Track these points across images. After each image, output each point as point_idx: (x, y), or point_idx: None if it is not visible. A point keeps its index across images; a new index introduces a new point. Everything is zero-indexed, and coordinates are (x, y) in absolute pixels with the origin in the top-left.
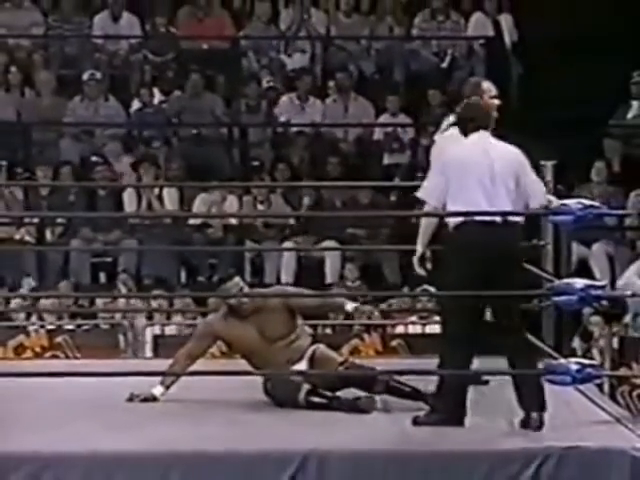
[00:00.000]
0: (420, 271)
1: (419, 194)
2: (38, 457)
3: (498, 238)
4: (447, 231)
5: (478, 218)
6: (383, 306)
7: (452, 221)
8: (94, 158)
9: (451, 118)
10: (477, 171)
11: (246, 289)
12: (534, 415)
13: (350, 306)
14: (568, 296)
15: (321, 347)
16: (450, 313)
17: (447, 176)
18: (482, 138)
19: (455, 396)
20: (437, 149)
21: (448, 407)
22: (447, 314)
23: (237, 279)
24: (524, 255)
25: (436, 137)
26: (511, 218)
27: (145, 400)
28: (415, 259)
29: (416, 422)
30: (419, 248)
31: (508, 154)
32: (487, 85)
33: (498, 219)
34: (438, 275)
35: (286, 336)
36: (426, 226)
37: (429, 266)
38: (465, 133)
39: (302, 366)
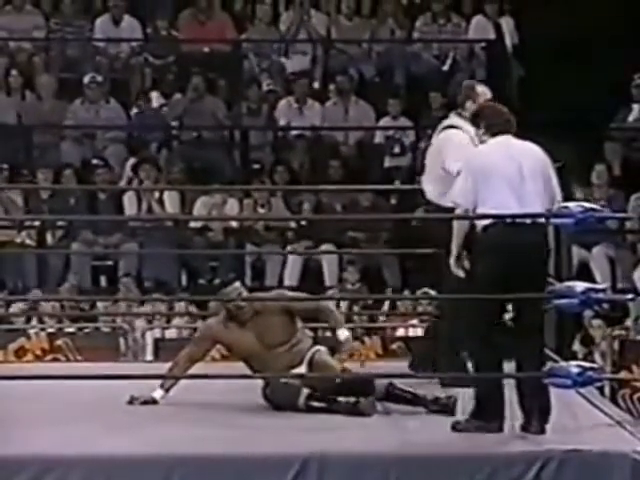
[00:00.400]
0: (458, 272)
1: (451, 198)
2: (40, 460)
3: (526, 239)
4: (476, 233)
5: (507, 220)
6: (384, 309)
7: (481, 223)
8: (95, 161)
9: (449, 120)
10: (505, 172)
11: (245, 294)
12: (534, 422)
13: (343, 335)
14: (569, 299)
15: (321, 350)
16: (474, 314)
17: (475, 178)
18: (506, 139)
19: (494, 401)
20: (435, 150)
21: (489, 413)
22: (471, 315)
23: (237, 284)
24: (549, 256)
25: (433, 139)
26: (539, 219)
27: (145, 403)
28: (452, 260)
29: (455, 428)
30: (454, 249)
31: (535, 154)
32: (481, 88)
33: (527, 220)
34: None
35: (286, 342)
36: (458, 228)
37: (467, 265)
38: (494, 134)
39: (302, 370)
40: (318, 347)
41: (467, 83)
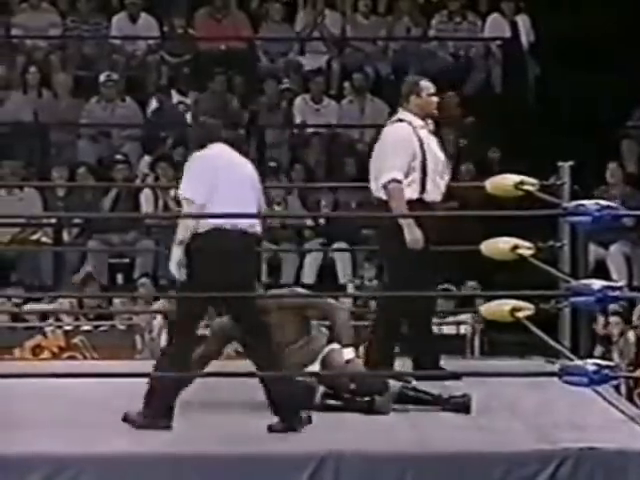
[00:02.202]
0: (181, 275)
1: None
2: (53, 459)
3: (244, 245)
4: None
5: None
6: None
7: (206, 225)
8: (117, 156)
9: (398, 114)
10: (232, 177)
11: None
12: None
13: (347, 356)
14: (586, 297)
15: (335, 349)
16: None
17: (210, 176)
18: (223, 149)
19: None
20: (378, 145)
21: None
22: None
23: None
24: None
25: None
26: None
27: None
28: (172, 263)
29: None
30: (176, 251)
31: (249, 165)
32: (425, 83)
33: (249, 227)
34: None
35: (297, 340)
36: (183, 228)
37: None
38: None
39: (315, 368)
40: (333, 346)
41: (410, 78)
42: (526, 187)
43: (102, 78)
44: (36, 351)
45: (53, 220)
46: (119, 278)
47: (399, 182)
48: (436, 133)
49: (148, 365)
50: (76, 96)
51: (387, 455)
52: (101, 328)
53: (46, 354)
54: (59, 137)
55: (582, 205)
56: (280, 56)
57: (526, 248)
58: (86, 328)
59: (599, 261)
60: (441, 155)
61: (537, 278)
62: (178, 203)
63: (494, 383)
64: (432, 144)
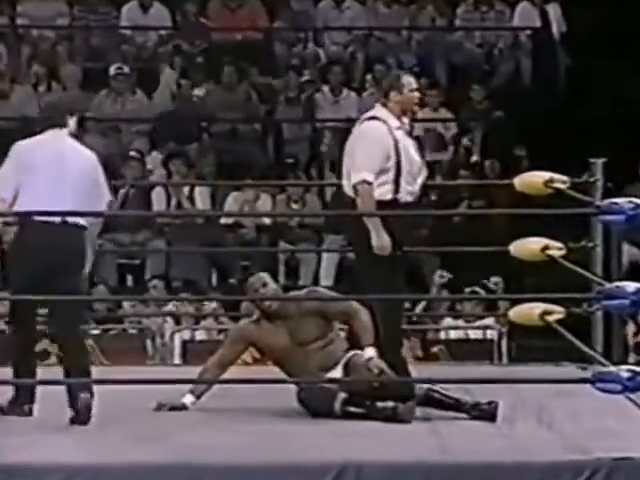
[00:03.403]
0: None
1: None
2: (63, 468)
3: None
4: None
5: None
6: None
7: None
8: (131, 153)
9: (373, 111)
10: (48, 169)
11: (272, 285)
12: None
13: (367, 354)
14: (619, 300)
15: (358, 354)
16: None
17: (17, 169)
18: (56, 137)
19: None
20: (350, 143)
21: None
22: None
23: (261, 274)
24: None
25: (354, 129)
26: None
27: (174, 409)
28: None
29: None
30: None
31: (85, 155)
32: (407, 79)
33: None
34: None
35: (318, 339)
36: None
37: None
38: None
39: (337, 373)
40: (355, 351)
41: (393, 74)
42: (556, 185)
43: (112, 70)
44: (42, 357)
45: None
46: (129, 280)
47: (369, 184)
48: (411, 133)
49: (161, 371)
50: (84, 89)
51: (408, 465)
52: (110, 332)
53: (53, 360)
54: None
55: (615, 203)
56: (298, 46)
57: (557, 249)
58: (95, 332)
59: (633, 262)
60: (415, 156)
61: (568, 280)
62: (192, 201)
63: (522, 390)
64: (407, 145)
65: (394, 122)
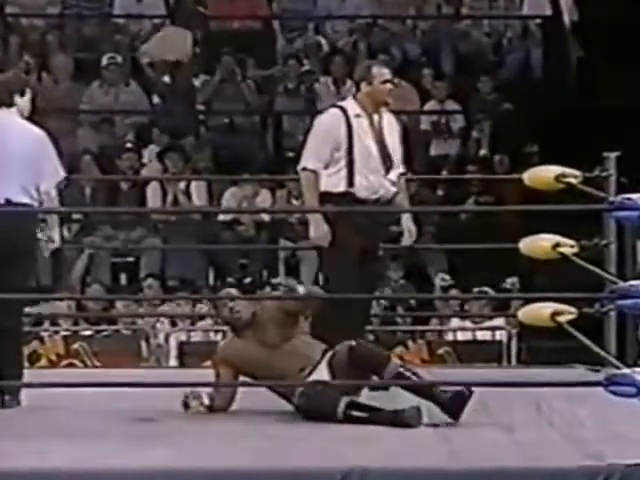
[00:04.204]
0: None
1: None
2: (55, 475)
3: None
4: None
5: None
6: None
7: None
8: (127, 145)
9: (343, 102)
10: None
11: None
12: None
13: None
14: (634, 300)
15: (339, 350)
16: None
17: None
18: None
19: None
20: None
21: None
22: None
23: (228, 289)
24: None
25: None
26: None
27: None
28: None
29: None
30: None
31: (29, 133)
32: (377, 69)
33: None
34: None
35: (290, 339)
36: None
37: None
38: None
39: (322, 373)
40: (337, 348)
41: (364, 63)
42: (568, 179)
43: (104, 60)
44: (32, 358)
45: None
46: (123, 278)
47: (313, 172)
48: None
49: (156, 374)
50: (76, 80)
51: (415, 471)
52: (103, 333)
53: (43, 362)
54: (57, 125)
55: (629, 199)
56: (299, 36)
57: (568, 246)
58: (87, 333)
59: None
60: (374, 149)
61: (580, 279)
62: (189, 197)
63: (532, 393)
64: (366, 136)
65: (356, 110)
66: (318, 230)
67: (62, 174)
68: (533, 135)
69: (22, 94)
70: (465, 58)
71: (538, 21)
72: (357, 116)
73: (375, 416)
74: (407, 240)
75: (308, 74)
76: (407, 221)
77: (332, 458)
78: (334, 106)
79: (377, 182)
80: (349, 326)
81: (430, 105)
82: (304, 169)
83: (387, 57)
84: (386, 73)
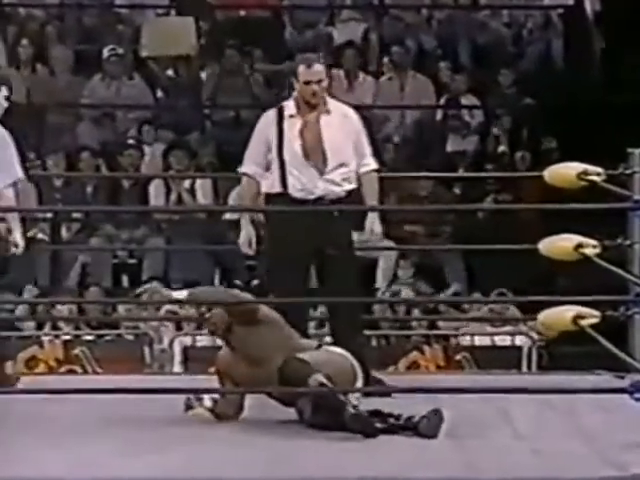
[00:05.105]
0: None
1: None
2: None
3: None
4: None
5: None
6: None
7: None
8: (129, 141)
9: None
10: None
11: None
12: None
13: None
14: None
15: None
16: None
17: None
18: None
19: None
20: None
21: None
22: None
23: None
24: None
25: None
26: None
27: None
28: None
29: None
30: None
31: None
32: (301, 68)
33: None
34: None
35: (272, 354)
36: None
37: None
38: None
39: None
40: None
41: (298, 58)
42: (590, 177)
43: (106, 52)
44: (31, 364)
45: (49, 214)
46: (124, 280)
47: (250, 176)
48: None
49: (160, 380)
50: (76, 73)
51: None
52: (105, 338)
53: (42, 367)
54: (56, 120)
55: None
56: (308, 26)
57: (591, 247)
58: (87, 338)
59: None
60: (298, 148)
61: (603, 281)
62: (193, 195)
63: (554, 401)
64: (296, 137)
65: (290, 111)
66: (242, 235)
67: (19, 174)
68: (554, 130)
69: None
70: (483, 50)
71: (560, 11)
72: (291, 116)
73: (391, 425)
74: (367, 238)
75: None
76: (370, 220)
77: (342, 469)
78: (277, 106)
79: (311, 183)
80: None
81: (447, 99)
82: (243, 174)
83: (402, 49)
84: (310, 73)
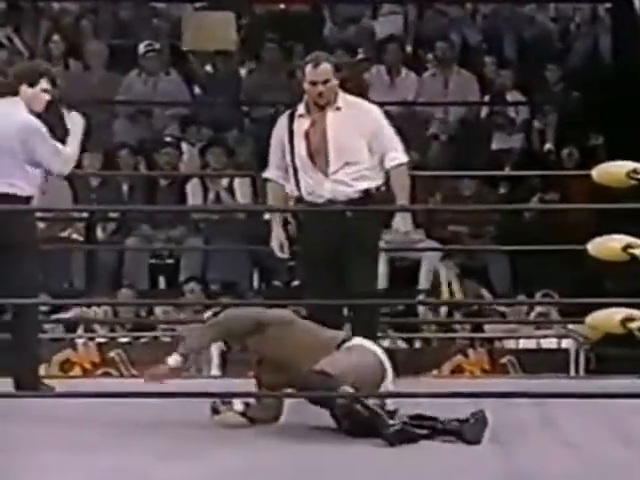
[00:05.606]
0: None
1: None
2: None
3: None
4: None
5: None
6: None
7: None
8: (167, 138)
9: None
10: None
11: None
12: None
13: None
14: None
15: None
16: None
17: None
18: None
19: None
20: None
21: None
22: None
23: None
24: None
25: None
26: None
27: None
28: None
29: None
30: None
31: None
32: (308, 68)
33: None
34: None
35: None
36: None
37: None
38: None
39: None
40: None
41: (307, 57)
42: None
43: (142, 48)
44: (65, 367)
45: (85, 214)
46: (161, 282)
47: (273, 181)
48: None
49: (197, 384)
50: (111, 69)
51: None
52: (141, 340)
53: (77, 370)
54: (91, 117)
55: None
56: (349, 20)
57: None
58: (123, 340)
59: None
60: (304, 151)
61: None
62: (232, 194)
63: (603, 406)
64: (301, 138)
65: (300, 111)
66: (274, 240)
67: (55, 167)
68: (602, 127)
69: (32, 85)
70: (529, 45)
71: (607, 5)
72: (300, 116)
73: (433, 432)
74: (392, 238)
75: (363, 62)
76: (398, 219)
77: (380, 476)
78: (292, 108)
79: (318, 185)
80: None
81: (492, 95)
82: (265, 179)
83: (445, 44)
84: (315, 73)
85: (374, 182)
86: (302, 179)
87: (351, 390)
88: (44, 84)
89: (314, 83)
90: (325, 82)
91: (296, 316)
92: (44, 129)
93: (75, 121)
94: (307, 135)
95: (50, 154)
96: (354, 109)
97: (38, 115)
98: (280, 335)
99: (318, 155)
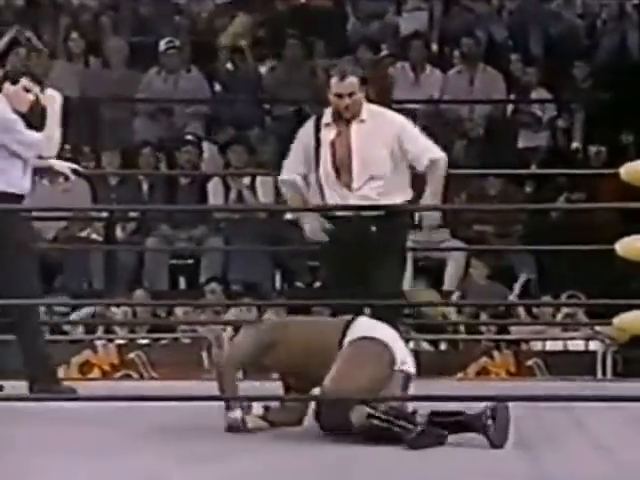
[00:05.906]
0: None
1: None
2: None
3: None
4: None
5: None
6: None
7: None
8: (187, 137)
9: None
10: None
11: None
12: None
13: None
14: None
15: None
16: None
17: None
18: None
19: None
20: None
21: None
22: None
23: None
24: None
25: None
26: None
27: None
28: None
29: None
30: None
31: None
32: (333, 80)
33: None
34: None
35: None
36: None
37: None
38: None
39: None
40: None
41: (335, 69)
42: None
43: (162, 45)
44: (84, 369)
45: (104, 214)
46: (182, 282)
47: (290, 181)
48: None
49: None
50: (131, 66)
51: None
52: (161, 342)
53: (96, 372)
54: (111, 115)
55: None
56: (374, 17)
57: None
58: (143, 342)
59: None
60: (330, 166)
61: None
62: (254, 193)
63: (632, 409)
64: (327, 149)
65: (327, 119)
66: (311, 227)
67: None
68: (631, 125)
69: (14, 83)
70: (556, 41)
71: (635, 1)
72: (327, 125)
73: (447, 431)
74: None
75: (387, 59)
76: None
77: (406, 476)
78: (318, 114)
79: (342, 200)
80: None
81: (518, 93)
82: (282, 181)
83: (471, 40)
84: (342, 86)
85: (400, 198)
86: (327, 192)
87: (366, 408)
88: (25, 82)
89: (340, 96)
90: (351, 95)
91: (283, 318)
92: (14, 118)
93: (52, 100)
94: (333, 145)
95: (25, 144)
96: (377, 119)
97: (22, 115)
98: (285, 340)
99: (342, 167)
